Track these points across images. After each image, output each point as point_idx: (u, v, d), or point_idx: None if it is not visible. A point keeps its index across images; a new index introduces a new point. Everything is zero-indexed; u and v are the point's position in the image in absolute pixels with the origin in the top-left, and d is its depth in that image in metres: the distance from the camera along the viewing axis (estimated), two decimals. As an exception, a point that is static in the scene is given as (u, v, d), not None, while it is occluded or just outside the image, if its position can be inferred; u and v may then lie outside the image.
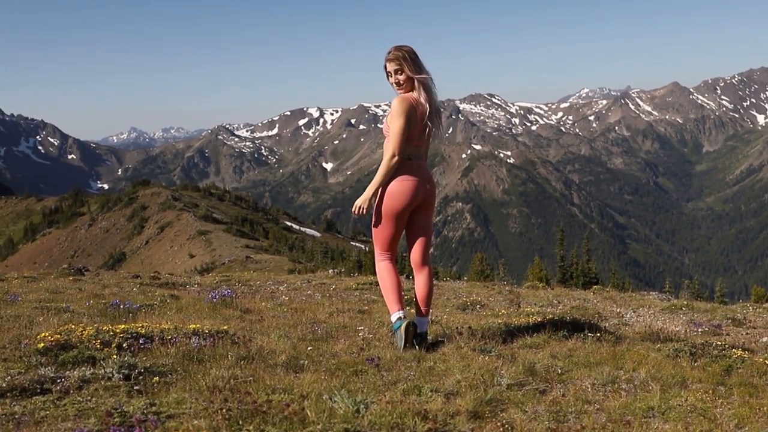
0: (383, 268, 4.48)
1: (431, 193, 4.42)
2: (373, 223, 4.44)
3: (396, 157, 4.22)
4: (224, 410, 2.69)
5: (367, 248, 59.80)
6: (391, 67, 4.35)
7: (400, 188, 4.30)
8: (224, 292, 6.79)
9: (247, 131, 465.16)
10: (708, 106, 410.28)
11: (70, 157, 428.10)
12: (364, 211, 4.29)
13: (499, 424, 2.90)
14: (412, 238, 4.51)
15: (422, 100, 4.29)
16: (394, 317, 4.34)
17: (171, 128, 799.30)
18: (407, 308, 4.67)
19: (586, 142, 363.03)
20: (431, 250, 4.67)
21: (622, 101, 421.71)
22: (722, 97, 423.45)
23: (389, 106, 4.39)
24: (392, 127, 4.24)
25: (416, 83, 4.30)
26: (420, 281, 4.48)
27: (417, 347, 4.25)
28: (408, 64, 4.30)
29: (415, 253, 4.50)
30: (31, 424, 2.63)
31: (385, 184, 4.32)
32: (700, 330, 6.53)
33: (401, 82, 4.34)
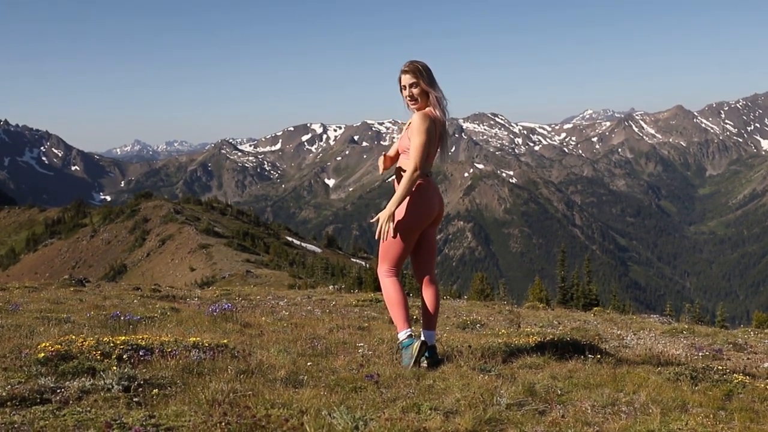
0: (391, 284, 4.41)
1: (442, 209, 4.49)
2: (385, 238, 4.34)
3: (418, 172, 4.21)
4: (223, 424, 2.69)
5: (367, 265, 59.75)
6: (406, 80, 4.33)
7: (421, 204, 4.30)
8: (224, 306, 6.79)
9: (250, 146, 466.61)
10: (712, 130, 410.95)
11: (73, 168, 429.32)
12: (389, 231, 4.22)
13: (498, 443, 2.89)
14: (422, 254, 4.50)
15: (438, 115, 4.32)
16: (403, 334, 4.33)
17: (174, 141, 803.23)
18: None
19: (589, 164, 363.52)
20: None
21: (626, 123, 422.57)
22: (726, 121, 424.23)
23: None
24: (414, 142, 4.21)
25: (431, 98, 4.31)
26: (429, 296, 4.49)
27: (428, 359, 4.33)
28: (423, 78, 4.31)
29: (426, 269, 4.52)
30: (30, 433, 2.63)
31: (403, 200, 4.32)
32: (701, 354, 6.50)
33: (415, 95, 4.32)
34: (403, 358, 4.30)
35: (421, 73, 4.30)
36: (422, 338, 4.34)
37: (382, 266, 4.47)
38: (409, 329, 4.33)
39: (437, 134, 4.31)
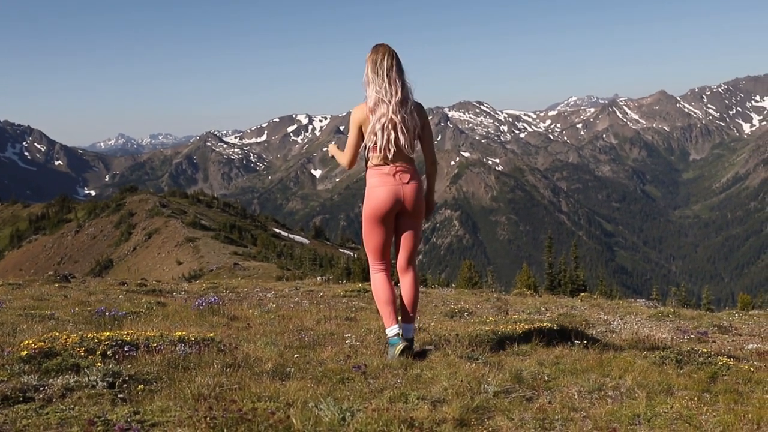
0: (377, 280, 4.43)
1: (410, 198, 4.29)
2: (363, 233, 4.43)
3: (346, 167, 4.43)
4: (209, 418, 2.67)
5: (355, 255, 59.76)
6: None
7: (373, 195, 4.29)
8: (211, 300, 6.76)
9: (235, 138, 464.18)
10: (695, 115, 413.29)
11: (57, 163, 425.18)
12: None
13: (485, 431, 2.89)
14: (396, 243, 4.49)
15: (374, 105, 4.21)
16: (390, 332, 4.32)
17: (159, 134, 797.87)
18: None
19: (574, 150, 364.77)
20: (419, 257, 4.65)
21: (610, 109, 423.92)
22: (709, 105, 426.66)
23: None
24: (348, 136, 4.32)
25: (368, 89, 4.27)
26: (404, 286, 4.46)
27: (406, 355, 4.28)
28: (366, 69, 4.30)
29: (400, 257, 4.49)
30: (12, 432, 2.60)
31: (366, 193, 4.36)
32: (686, 337, 6.56)
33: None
34: (388, 352, 4.31)
35: (366, 64, 4.30)
36: (404, 343, 4.24)
37: (369, 261, 4.50)
38: (395, 326, 4.31)
39: (374, 126, 4.20)
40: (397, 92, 4.22)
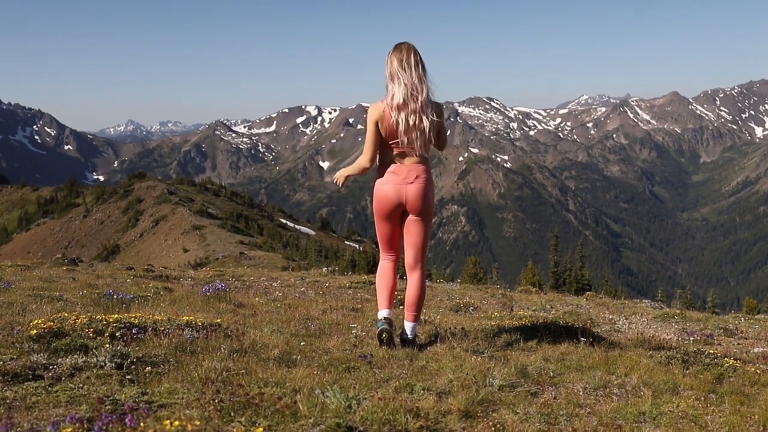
0: (380, 267, 4.56)
1: (413, 198, 4.27)
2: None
3: (367, 165, 4.32)
4: (216, 401, 2.69)
5: (361, 248, 59.78)
6: None
7: (378, 191, 4.34)
8: (218, 286, 6.78)
9: (244, 127, 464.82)
10: (707, 117, 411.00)
11: (66, 147, 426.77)
12: (338, 182, 4.52)
13: (490, 424, 2.90)
14: (404, 242, 4.52)
15: (393, 103, 4.18)
16: (379, 315, 4.41)
17: (168, 122, 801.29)
18: (401, 308, 4.70)
19: (584, 149, 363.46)
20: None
21: (621, 109, 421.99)
22: (721, 108, 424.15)
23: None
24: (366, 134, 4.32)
25: (387, 86, 4.27)
26: (409, 285, 4.50)
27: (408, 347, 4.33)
28: (389, 66, 4.27)
29: (406, 256, 4.51)
30: (22, 409, 2.62)
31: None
32: (692, 339, 6.54)
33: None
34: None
35: (389, 61, 4.28)
36: (384, 325, 4.30)
37: (380, 251, 4.61)
38: (384, 311, 4.37)
39: (387, 123, 4.19)
40: (423, 91, 4.21)
